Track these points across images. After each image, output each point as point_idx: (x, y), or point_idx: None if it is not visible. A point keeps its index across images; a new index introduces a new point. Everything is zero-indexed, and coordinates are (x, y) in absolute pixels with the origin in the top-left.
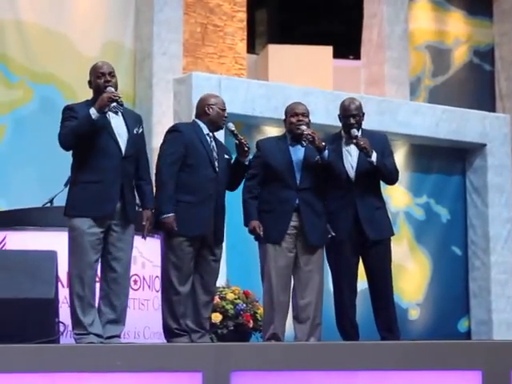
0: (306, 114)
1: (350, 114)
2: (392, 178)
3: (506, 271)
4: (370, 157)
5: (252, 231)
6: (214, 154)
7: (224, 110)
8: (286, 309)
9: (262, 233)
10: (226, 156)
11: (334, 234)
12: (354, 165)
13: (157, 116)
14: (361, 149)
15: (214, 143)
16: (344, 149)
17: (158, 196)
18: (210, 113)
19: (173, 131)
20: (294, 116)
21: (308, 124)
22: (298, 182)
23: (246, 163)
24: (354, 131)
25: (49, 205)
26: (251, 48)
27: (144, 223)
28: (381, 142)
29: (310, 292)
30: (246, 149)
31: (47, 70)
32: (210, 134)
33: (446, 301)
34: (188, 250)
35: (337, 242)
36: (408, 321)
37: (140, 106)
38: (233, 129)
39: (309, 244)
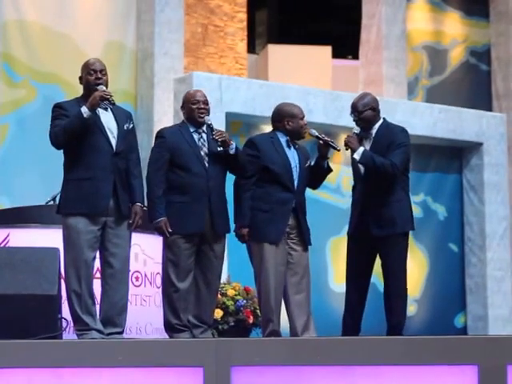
0: None
1: (354, 111)
2: (386, 173)
3: (501, 268)
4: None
5: (240, 237)
6: (205, 150)
7: (195, 103)
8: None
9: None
10: (219, 149)
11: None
12: None
13: (158, 115)
14: (345, 146)
15: (203, 140)
16: None
17: (148, 199)
18: (185, 111)
19: (158, 137)
20: (303, 119)
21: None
22: (295, 185)
23: (231, 152)
24: (355, 129)
25: (51, 202)
26: (251, 48)
27: (131, 220)
28: (391, 135)
29: (304, 287)
30: (221, 139)
31: (50, 70)
32: (199, 130)
33: (443, 297)
34: (185, 247)
35: (348, 237)
36: None
37: (141, 105)
38: (209, 122)
39: (304, 242)
